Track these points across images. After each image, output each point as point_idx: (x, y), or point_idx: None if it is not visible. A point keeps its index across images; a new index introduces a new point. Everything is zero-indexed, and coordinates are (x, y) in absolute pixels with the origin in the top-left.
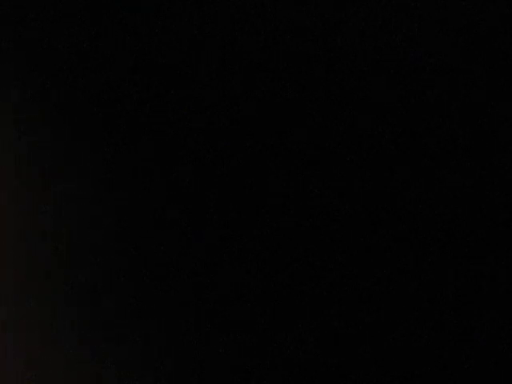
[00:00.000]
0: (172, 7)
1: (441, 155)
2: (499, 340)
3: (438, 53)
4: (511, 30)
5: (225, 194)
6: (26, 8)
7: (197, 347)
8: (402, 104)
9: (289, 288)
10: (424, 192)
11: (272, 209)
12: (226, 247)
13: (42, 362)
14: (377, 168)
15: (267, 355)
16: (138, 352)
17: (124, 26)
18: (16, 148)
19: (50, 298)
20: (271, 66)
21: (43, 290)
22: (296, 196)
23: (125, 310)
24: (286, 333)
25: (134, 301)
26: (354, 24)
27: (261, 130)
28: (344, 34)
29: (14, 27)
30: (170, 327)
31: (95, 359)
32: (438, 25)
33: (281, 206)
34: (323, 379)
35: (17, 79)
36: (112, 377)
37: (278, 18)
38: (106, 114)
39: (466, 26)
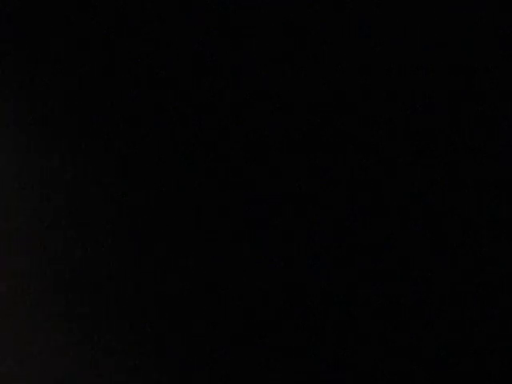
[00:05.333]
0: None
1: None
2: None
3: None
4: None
5: (226, 197)
6: (25, 8)
7: (196, 348)
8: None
9: (290, 289)
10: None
11: (273, 212)
12: (225, 248)
13: (40, 361)
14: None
15: (268, 355)
16: (137, 352)
17: (125, 28)
18: (15, 148)
19: (49, 297)
20: (272, 66)
21: (42, 289)
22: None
23: (125, 310)
24: (287, 334)
25: (134, 301)
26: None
27: (260, 132)
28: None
29: (13, 27)
30: (170, 328)
31: (94, 359)
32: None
33: (282, 209)
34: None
35: (16, 79)
36: (111, 376)
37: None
38: (106, 112)
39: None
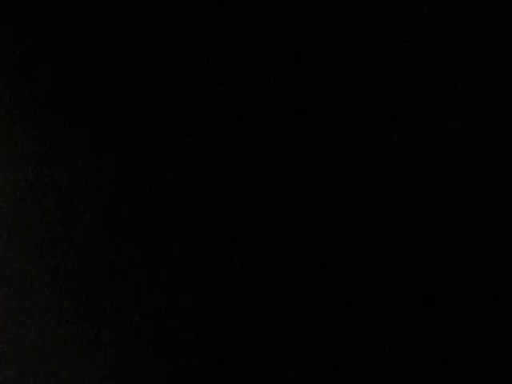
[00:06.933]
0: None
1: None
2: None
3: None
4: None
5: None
6: (25, 8)
7: (196, 347)
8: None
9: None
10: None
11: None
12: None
13: (38, 361)
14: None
15: (267, 354)
16: (137, 352)
17: (125, 27)
18: (16, 146)
19: (48, 295)
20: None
21: (41, 288)
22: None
23: (124, 309)
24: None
25: (133, 300)
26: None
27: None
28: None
29: (14, 27)
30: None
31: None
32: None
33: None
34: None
35: (16, 78)
36: (111, 376)
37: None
38: (106, 111)
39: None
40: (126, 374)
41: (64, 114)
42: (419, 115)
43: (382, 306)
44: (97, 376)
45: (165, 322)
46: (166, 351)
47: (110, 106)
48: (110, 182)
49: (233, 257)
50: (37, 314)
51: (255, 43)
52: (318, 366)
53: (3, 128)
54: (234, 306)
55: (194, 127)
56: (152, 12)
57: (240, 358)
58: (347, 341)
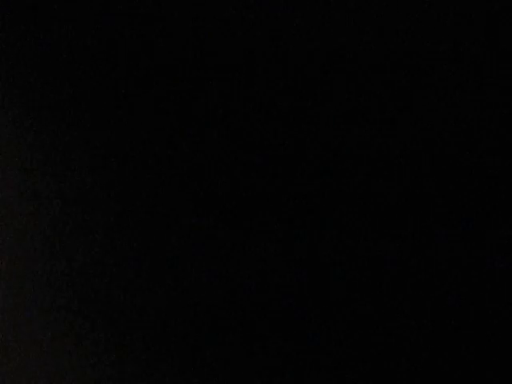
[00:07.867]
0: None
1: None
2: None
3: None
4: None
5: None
6: (25, 8)
7: (196, 347)
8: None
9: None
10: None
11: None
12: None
13: (37, 361)
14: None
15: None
16: (137, 352)
17: (125, 26)
18: (16, 147)
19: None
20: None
21: (38, 286)
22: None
23: (123, 308)
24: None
25: (133, 299)
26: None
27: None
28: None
29: (13, 27)
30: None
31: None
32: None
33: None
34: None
35: (17, 79)
36: (110, 377)
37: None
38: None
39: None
40: (126, 374)
41: (65, 117)
42: (418, 116)
43: (381, 307)
44: (97, 376)
45: (165, 323)
46: (166, 351)
47: (113, 108)
48: (114, 184)
49: (232, 258)
50: (37, 315)
51: (254, 43)
52: (317, 366)
53: (5, 131)
54: (233, 307)
55: (196, 130)
56: (152, 14)
57: (239, 359)
58: (347, 341)
